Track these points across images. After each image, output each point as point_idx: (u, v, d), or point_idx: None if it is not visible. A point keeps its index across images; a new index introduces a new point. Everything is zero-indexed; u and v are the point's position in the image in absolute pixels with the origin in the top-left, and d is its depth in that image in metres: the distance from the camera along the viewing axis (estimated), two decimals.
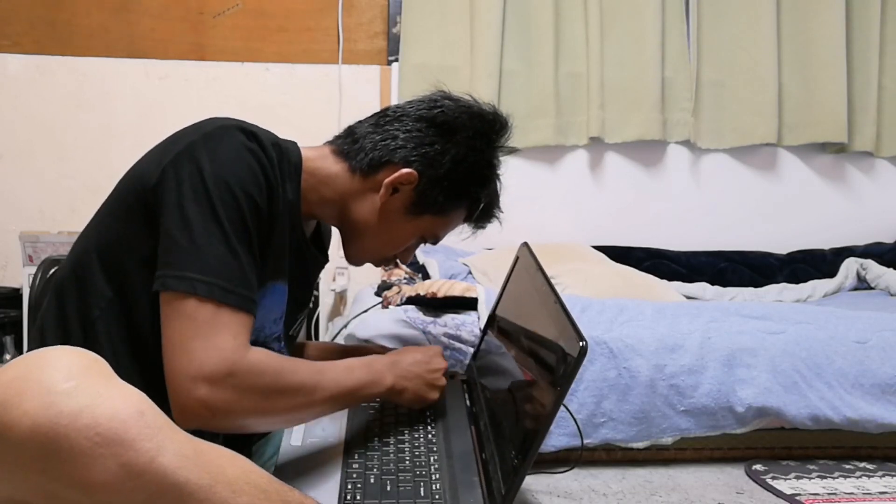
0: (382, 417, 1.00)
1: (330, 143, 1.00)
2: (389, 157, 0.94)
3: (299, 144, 0.96)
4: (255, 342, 0.89)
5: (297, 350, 1.16)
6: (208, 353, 0.73)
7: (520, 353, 0.98)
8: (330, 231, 1.14)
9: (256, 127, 0.86)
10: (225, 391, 0.74)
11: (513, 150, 1.04)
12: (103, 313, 0.82)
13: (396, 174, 0.93)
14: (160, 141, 0.86)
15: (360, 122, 1.00)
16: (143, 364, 0.82)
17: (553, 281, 0.94)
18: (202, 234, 0.76)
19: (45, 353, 0.61)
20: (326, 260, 1.06)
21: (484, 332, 1.18)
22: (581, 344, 0.72)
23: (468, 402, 1.07)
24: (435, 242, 1.04)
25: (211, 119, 0.85)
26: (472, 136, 0.97)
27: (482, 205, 1.01)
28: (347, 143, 0.97)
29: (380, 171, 0.94)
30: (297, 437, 0.96)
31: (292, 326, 1.01)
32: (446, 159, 0.94)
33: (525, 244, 1.09)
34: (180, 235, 0.76)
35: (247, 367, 0.75)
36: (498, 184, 1.03)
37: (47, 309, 0.87)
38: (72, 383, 0.57)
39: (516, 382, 0.94)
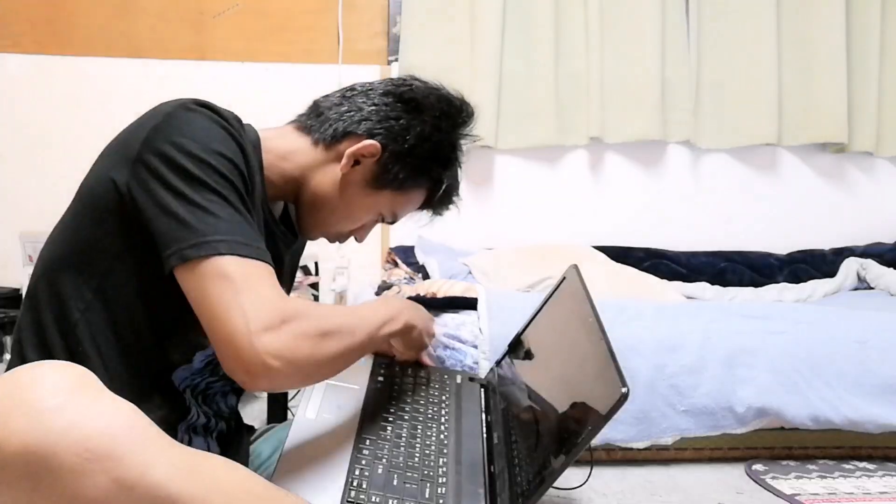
0: (399, 402, 1.00)
1: (292, 121, 1.00)
2: (353, 128, 0.93)
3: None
4: None
5: None
6: (258, 305, 0.72)
7: (551, 379, 0.96)
8: None
9: (213, 104, 0.85)
10: (285, 337, 0.72)
11: (476, 139, 1.02)
12: (83, 315, 0.81)
13: (359, 145, 0.92)
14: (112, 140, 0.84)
15: (325, 96, 0.99)
16: (130, 362, 0.81)
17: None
18: (202, 203, 0.74)
19: (32, 369, 0.60)
20: (296, 238, 1.03)
21: (513, 343, 1.16)
22: (623, 390, 0.71)
23: (484, 409, 1.06)
24: (392, 222, 1.02)
25: (164, 103, 0.83)
26: (439, 117, 0.95)
27: (443, 188, 0.99)
28: (311, 117, 0.97)
29: (343, 142, 0.93)
30: (312, 410, 0.95)
31: None
32: (411, 135, 0.93)
33: (574, 266, 1.07)
34: (181, 211, 0.74)
35: (295, 312, 0.74)
36: (459, 170, 1.02)
37: (22, 320, 0.85)
38: (60, 399, 0.56)
39: (541, 407, 0.92)
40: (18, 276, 2.13)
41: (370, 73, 2.37)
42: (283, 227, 0.97)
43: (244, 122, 0.91)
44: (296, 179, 0.95)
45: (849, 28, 2.42)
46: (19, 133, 2.30)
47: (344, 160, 0.92)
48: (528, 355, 1.09)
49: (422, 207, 1.02)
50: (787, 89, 2.43)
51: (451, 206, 1.03)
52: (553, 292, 1.10)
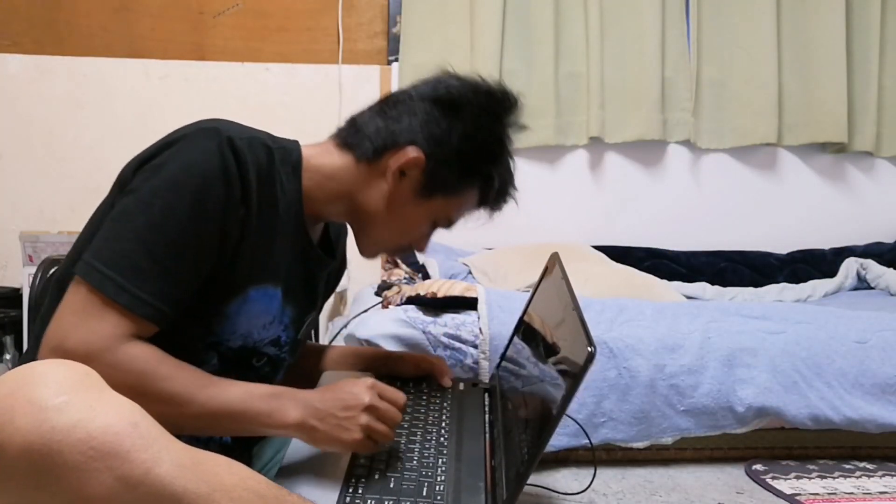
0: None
1: (333, 136, 0.97)
2: (394, 139, 0.91)
3: (301, 143, 0.94)
4: (244, 348, 0.88)
5: (315, 353, 1.15)
6: (75, 331, 0.73)
7: (536, 361, 0.98)
8: (345, 233, 1.12)
9: (246, 129, 0.84)
10: (78, 367, 0.68)
11: (523, 128, 0.98)
12: None
13: (403, 158, 0.90)
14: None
15: (362, 111, 0.97)
16: None
17: None
18: (125, 228, 0.75)
19: (35, 367, 0.60)
20: (334, 261, 1.03)
21: (510, 340, 1.17)
22: (589, 350, 0.71)
23: (487, 412, 1.06)
24: (449, 226, 0.99)
25: (200, 121, 0.83)
26: (479, 114, 0.93)
27: (496, 184, 0.96)
28: (350, 133, 0.94)
29: (385, 157, 0.91)
30: None
31: (300, 330, 0.99)
32: (453, 137, 0.91)
33: (555, 254, 1.08)
34: (108, 224, 0.76)
35: (109, 361, 0.72)
36: (511, 161, 0.99)
37: (46, 312, 0.84)
38: (63, 398, 0.56)
39: (529, 390, 0.93)
40: (18, 276, 2.13)
41: (370, 74, 2.37)
42: (318, 250, 0.96)
43: (290, 138, 0.91)
44: (344, 199, 0.93)
45: (849, 28, 2.42)
46: (19, 133, 2.30)
47: (389, 175, 0.91)
48: (522, 346, 1.10)
49: (478, 206, 0.99)
50: (787, 89, 2.43)
51: (508, 200, 1.00)
52: (539, 283, 1.12)
